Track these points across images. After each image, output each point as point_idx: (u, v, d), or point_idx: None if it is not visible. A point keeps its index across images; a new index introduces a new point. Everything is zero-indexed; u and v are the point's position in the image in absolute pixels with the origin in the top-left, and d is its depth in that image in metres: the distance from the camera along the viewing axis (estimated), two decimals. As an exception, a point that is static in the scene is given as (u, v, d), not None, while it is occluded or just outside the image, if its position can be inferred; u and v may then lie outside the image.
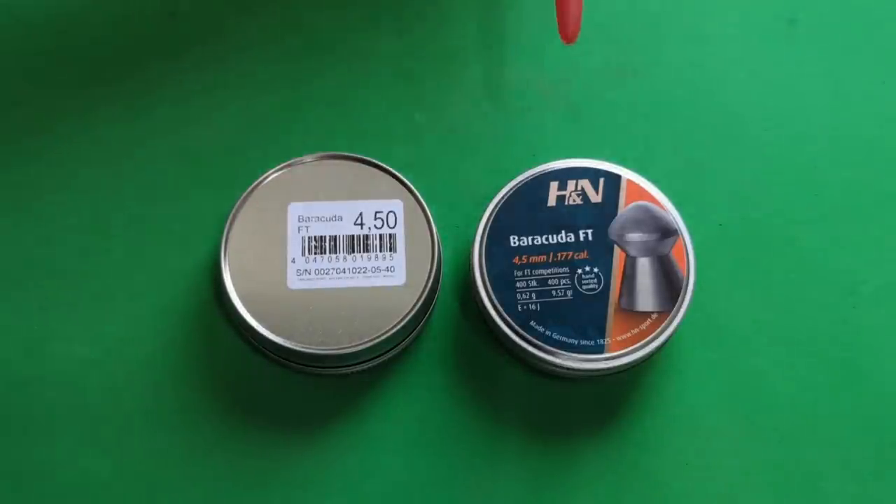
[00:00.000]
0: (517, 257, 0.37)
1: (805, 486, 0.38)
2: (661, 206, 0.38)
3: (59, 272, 0.40)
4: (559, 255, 0.37)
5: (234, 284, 0.37)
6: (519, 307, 0.37)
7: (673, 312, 0.37)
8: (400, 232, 0.38)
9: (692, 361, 0.39)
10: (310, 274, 0.37)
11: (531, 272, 0.37)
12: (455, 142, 0.42)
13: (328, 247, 0.38)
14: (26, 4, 0.43)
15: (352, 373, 0.38)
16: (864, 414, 0.39)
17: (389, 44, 0.43)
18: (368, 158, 0.39)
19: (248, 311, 0.37)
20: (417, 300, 0.37)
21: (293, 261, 0.37)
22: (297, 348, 0.36)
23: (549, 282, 0.37)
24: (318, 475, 0.38)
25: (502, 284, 0.37)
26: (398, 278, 0.37)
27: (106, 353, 0.39)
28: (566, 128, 0.42)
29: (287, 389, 0.39)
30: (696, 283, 0.37)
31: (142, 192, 0.41)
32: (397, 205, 0.38)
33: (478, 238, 0.38)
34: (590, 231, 0.38)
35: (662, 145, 0.42)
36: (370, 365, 0.38)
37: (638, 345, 0.36)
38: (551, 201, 0.38)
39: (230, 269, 0.37)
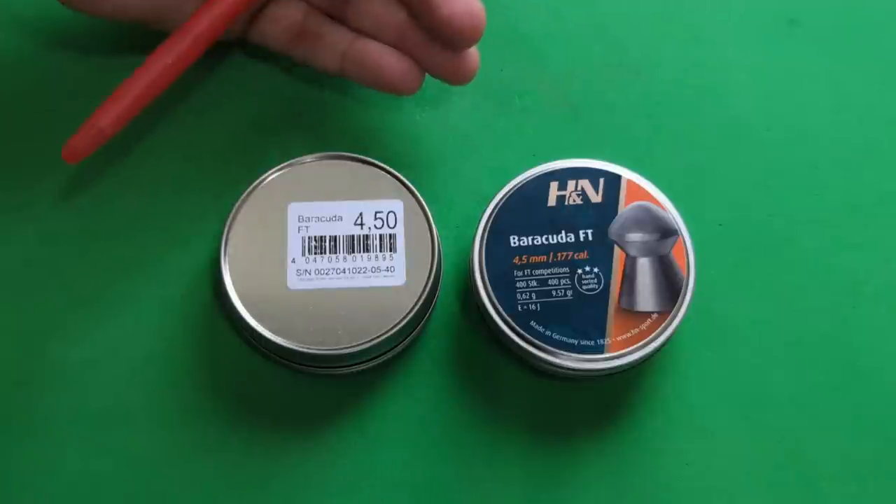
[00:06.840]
0: (517, 257, 0.37)
1: (805, 486, 0.38)
2: (661, 206, 0.38)
3: (59, 272, 0.40)
4: (559, 255, 0.37)
5: (234, 284, 0.37)
6: (519, 307, 0.37)
7: (673, 312, 0.36)
8: (400, 232, 0.38)
9: (692, 361, 0.39)
10: (310, 274, 0.37)
11: (531, 272, 0.37)
12: (455, 142, 0.42)
13: (328, 247, 0.37)
14: (26, 1, 0.44)
15: (352, 373, 0.38)
16: (864, 414, 0.39)
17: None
18: (368, 158, 0.39)
19: (248, 311, 0.37)
20: (417, 300, 0.37)
21: (293, 261, 0.37)
22: (297, 348, 0.36)
23: (550, 282, 0.37)
24: (319, 475, 0.38)
25: (502, 284, 0.37)
26: (398, 278, 0.37)
27: (106, 353, 0.39)
28: (566, 128, 0.42)
29: (287, 389, 0.39)
30: (696, 283, 0.37)
31: (141, 191, 0.41)
32: (397, 205, 0.38)
33: (478, 238, 0.38)
34: (590, 231, 0.38)
35: (662, 145, 0.42)
36: (370, 365, 0.38)
37: (638, 345, 0.36)
38: (551, 201, 0.38)
39: (230, 269, 0.37)
